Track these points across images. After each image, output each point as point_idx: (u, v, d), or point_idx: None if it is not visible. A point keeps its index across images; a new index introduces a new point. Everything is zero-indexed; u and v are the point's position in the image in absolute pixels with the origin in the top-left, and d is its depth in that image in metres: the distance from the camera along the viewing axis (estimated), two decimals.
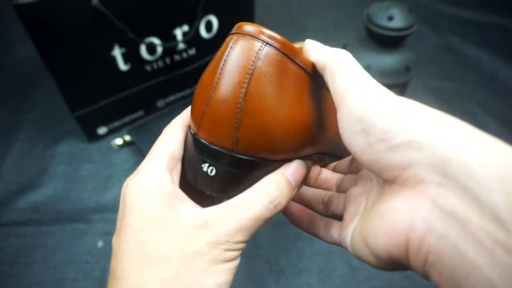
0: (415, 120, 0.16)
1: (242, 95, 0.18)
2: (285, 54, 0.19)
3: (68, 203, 0.54)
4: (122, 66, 0.56)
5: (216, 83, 0.19)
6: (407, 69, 0.54)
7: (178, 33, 0.58)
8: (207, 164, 0.20)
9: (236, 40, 0.19)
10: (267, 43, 0.19)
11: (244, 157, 0.20)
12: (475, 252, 0.14)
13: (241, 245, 0.19)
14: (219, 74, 0.19)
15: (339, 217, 0.27)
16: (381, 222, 0.17)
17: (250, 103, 0.18)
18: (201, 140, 0.20)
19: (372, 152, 0.17)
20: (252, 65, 0.18)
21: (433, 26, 0.86)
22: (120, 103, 0.60)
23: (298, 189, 0.29)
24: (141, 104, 0.64)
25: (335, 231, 0.25)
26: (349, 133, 0.18)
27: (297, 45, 0.28)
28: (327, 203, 0.28)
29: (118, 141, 0.60)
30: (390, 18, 0.51)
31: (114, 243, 0.20)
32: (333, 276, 0.47)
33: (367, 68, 0.54)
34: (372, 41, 0.54)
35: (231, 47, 0.19)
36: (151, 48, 0.57)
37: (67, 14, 0.47)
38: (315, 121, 0.22)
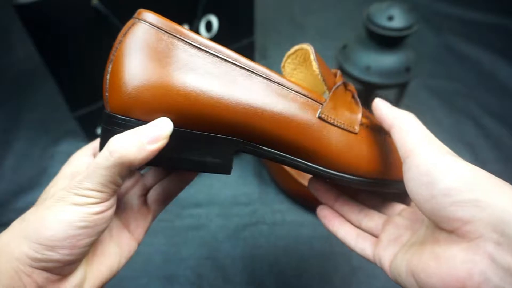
0: (478, 181, 0.19)
1: (110, 61, 0.23)
2: (158, 28, 0.23)
3: None
4: None
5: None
6: (407, 69, 0.54)
7: None
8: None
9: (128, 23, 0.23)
10: (139, 19, 0.23)
11: (116, 115, 0.23)
12: None
13: (91, 193, 0.21)
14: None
15: (368, 231, 0.29)
16: (437, 265, 0.19)
17: (113, 66, 0.22)
18: None
19: (434, 203, 0.20)
20: (121, 38, 0.23)
21: (433, 26, 0.86)
22: None
23: None
24: None
25: (369, 246, 0.28)
26: (414, 183, 0.21)
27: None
28: (362, 215, 0.30)
29: None
30: (390, 18, 0.51)
31: None
32: (333, 276, 0.47)
33: (367, 68, 0.54)
34: (372, 41, 0.54)
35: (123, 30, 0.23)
36: None
37: (67, 14, 0.46)
38: (191, 94, 0.23)
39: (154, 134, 0.22)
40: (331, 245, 0.50)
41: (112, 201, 0.23)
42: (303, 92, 0.26)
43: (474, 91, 0.72)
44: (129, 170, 0.22)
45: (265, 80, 0.24)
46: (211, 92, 0.23)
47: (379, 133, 0.29)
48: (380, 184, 0.28)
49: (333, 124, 0.26)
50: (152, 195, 0.30)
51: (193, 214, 0.53)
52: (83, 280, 0.23)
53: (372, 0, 0.56)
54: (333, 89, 0.27)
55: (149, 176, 0.31)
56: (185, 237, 0.51)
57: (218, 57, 0.23)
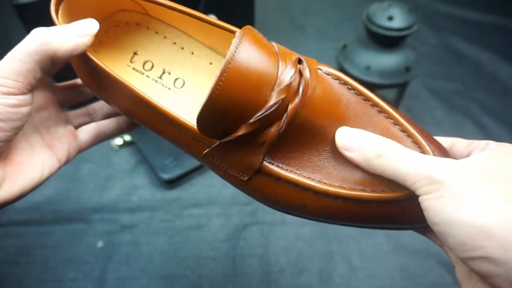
0: (489, 234, 0.17)
1: None
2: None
3: (68, 203, 0.54)
4: None
5: None
6: (407, 69, 0.54)
7: None
8: None
9: None
10: None
11: None
12: None
13: (5, 81, 0.21)
14: None
15: None
16: None
17: None
18: None
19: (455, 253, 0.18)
20: None
21: (433, 26, 0.86)
22: None
23: None
24: None
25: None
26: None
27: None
28: None
29: (118, 141, 0.60)
30: (390, 18, 0.51)
31: None
32: (333, 276, 0.47)
33: (367, 68, 0.54)
34: (372, 41, 0.54)
35: None
36: None
37: None
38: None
39: (80, 28, 0.23)
40: (331, 245, 0.50)
41: (28, 98, 0.22)
42: (190, 131, 0.24)
43: (474, 91, 0.72)
44: (50, 61, 0.22)
45: (158, 116, 0.25)
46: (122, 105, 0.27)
47: (286, 184, 0.23)
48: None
49: (218, 166, 0.25)
50: (87, 127, 0.31)
51: (193, 214, 0.53)
52: (1, 182, 0.24)
53: (372, 0, 0.56)
54: (223, 140, 0.23)
55: (98, 111, 0.32)
56: (185, 237, 0.51)
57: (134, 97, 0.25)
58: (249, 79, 0.21)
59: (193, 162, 0.56)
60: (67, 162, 0.29)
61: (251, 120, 0.21)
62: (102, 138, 0.31)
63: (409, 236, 0.50)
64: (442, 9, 0.91)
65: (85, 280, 0.46)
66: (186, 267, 0.48)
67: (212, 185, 0.56)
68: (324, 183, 0.23)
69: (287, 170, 0.23)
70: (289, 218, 0.53)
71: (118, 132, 0.32)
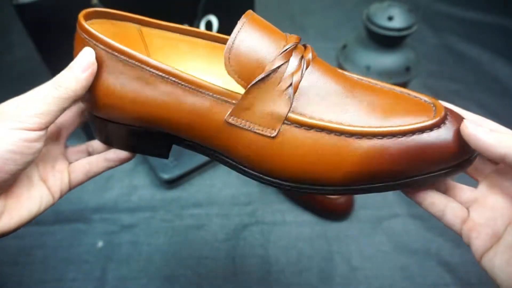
0: None
1: None
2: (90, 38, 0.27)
3: (68, 203, 0.54)
4: None
5: None
6: (407, 69, 0.54)
7: None
8: None
9: None
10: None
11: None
12: None
13: (31, 119, 0.23)
14: None
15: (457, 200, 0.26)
16: None
17: None
18: None
19: None
20: None
21: (433, 26, 0.86)
22: None
23: None
24: None
25: (458, 223, 0.24)
26: None
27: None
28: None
29: None
30: (390, 18, 0.51)
31: None
32: (333, 275, 0.47)
33: (367, 68, 0.54)
34: (372, 41, 0.54)
35: None
36: None
37: (67, 14, 0.46)
38: None
39: (82, 63, 0.25)
40: (331, 245, 0.50)
41: (44, 134, 0.24)
42: (210, 92, 0.24)
43: (474, 91, 0.72)
44: (72, 102, 0.25)
45: (172, 83, 0.24)
46: (127, 92, 0.25)
47: (318, 132, 0.23)
48: (311, 189, 0.25)
49: (242, 128, 0.24)
50: (77, 165, 0.31)
51: (193, 214, 0.53)
52: (1, 213, 0.24)
53: (372, 0, 0.56)
54: (250, 85, 0.23)
55: (95, 150, 0.33)
56: (185, 237, 0.51)
57: (129, 62, 0.25)
58: (265, 28, 0.26)
59: (193, 162, 0.56)
60: (59, 198, 0.29)
61: (282, 50, 0.23)
62: (90, 176, 0.32)
63: (409, 236, 0.50)
64: (442, 9, 0.91)
65: (85, 280, 0.46)
66: (186, 267, 0.48)
67: (212, 185, 0.56)
68: (355, 125, 0.23)
69: (316, 118, 0.23)
70: (289, 218, 0.53)
71: (106, 169, 0.32)
